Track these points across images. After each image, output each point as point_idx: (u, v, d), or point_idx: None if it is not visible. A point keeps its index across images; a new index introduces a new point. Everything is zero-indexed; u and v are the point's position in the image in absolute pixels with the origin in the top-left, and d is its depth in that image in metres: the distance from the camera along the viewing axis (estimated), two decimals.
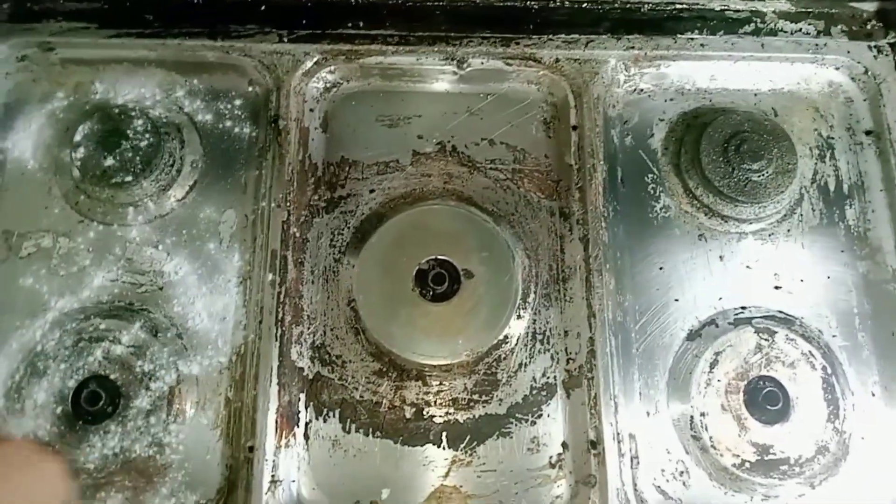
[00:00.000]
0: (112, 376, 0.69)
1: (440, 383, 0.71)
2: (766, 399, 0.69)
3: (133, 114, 0.75)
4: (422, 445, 0.70)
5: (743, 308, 0.73)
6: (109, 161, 0.74)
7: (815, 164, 0.78)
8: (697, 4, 0.79)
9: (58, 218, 0.75)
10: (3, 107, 0.78)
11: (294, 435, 0.69)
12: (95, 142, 0.74)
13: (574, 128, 0.77)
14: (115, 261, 0.74)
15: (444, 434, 0.70)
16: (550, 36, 0.80)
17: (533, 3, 0.78)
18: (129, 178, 0.73)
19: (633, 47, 0.79)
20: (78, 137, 0.74)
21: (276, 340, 0.70)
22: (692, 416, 0.69)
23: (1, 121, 0.78)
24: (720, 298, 0.74)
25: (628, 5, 0.79)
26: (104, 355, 0.70)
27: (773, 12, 0.80)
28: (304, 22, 0.80)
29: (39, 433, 0.67)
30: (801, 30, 0.81)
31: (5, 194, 0.76)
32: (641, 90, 0.81)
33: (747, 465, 0.68)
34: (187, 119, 0.79)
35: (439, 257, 0.73)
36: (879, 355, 0.72)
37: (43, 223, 0.75)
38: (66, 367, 0.69)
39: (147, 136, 0.75)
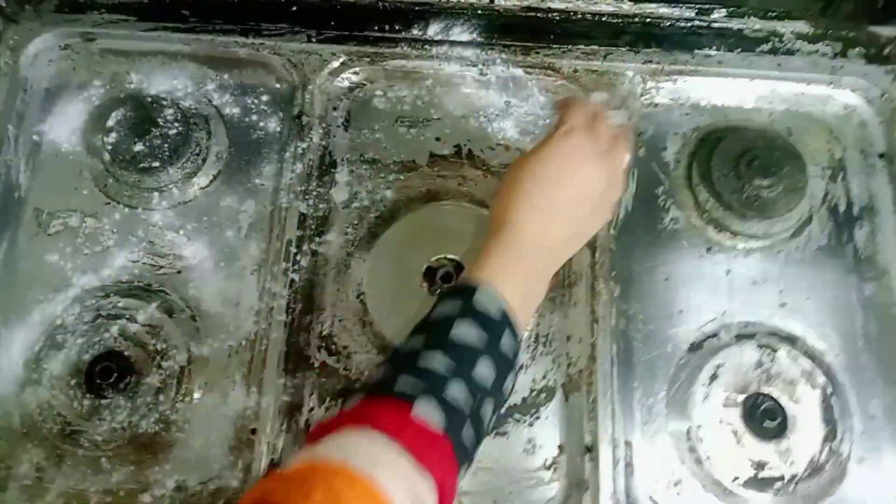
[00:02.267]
0: (126, 353, 0.72)
1: None
2: (764, 415, 0.69)
3: (164, 103, 0.79)
4: None
5: (747, 323, 0.74)
6: (139, 147, 0.77)
7: (827, 184, 0.79)
8: (716, 22, 0.80)
9: (86, 199, 0.78)
10: (43, 91, 0.82)
11: (296, 421, 0.71)
12: (127, 128, 0.77)
13: None
14: (138, 243, 0.77)
15: None
16: (570, 47, 0.81)
17: (554, 14, 0.80)
18: (156, 164, 0.77)
19: (650, 61, 0.81)
20: (111, 123, 0.77)
21: (286, 328, 0.72)
22: (689, 428, 0.70)
23: (40, 104, 0.82)
24: (724, 312, 0.74)
25: (648, 20, 0.80)
26: (120, 332, 0.72)
27: (792, 33, 0.80)
28: (332, 24, 0.82)
29: (53, 403, 0.70)
30: (818, 51, 0.81)
31: (39, 174, 0.79)
32: (657, 104, 0.82)
33: (741, 480, 0.68)
34: (215, 111, 0.82)
35: (449, 256, 0.75)
36: (883, 378, 0.72)
37: (72, 203, 0.78)
38: (83, 342, 0.72)
39: (176, 125, 0.78)
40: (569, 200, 0.59)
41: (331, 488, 0.41)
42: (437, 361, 0.50)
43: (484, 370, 0.51)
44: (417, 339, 0.53)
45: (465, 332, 0.52)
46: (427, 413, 0.48)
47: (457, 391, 0.49)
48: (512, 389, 0.56)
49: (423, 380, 0.49)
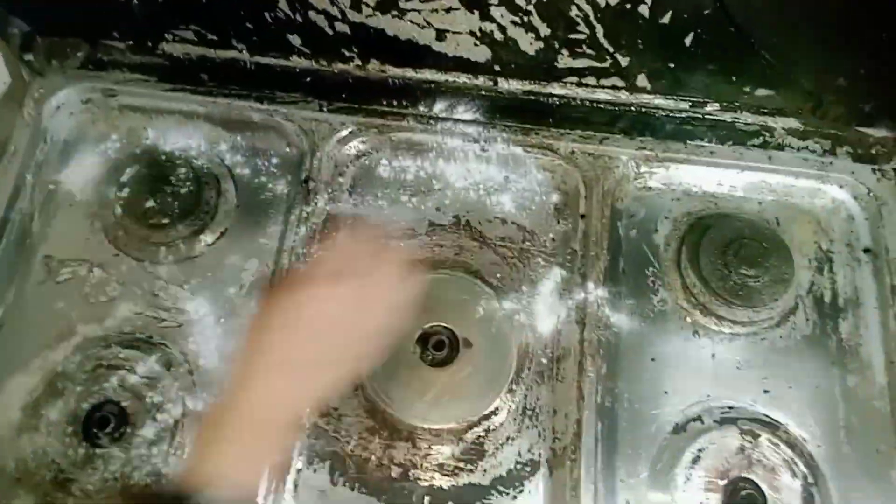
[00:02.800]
0: (123, 403, 0.73)
1: (429, 447, 0.74)
2: (744, 501, 0.70)
3: (178, 161, 0.82)
4: None
5: (730, 408, 0.75)
6: (150, 203, 0.80)
7: (813, 275, 0.81)
8: (710, 115, 0.84)
9: (96, 249, 0.81)
10: (62, 142, 0.86)
11: (283, 482, 0.72)
12: (140, 184, 0.81)
13: (582, 216, 0.82)
14: (142, 295, 0.79)
15: (427, 498, 0.72)
16: (568, 130, 0.85)
17: (554, 99, 0.84)
18: (165, 221, 0.79)
19: (644, 147, 0.84)
20: (124, 178, 0.81)
21: None
22: None
23: (58, 155, 0.85)
24: (708, 396, 0.76)
25: (644, 110, 0.84)
26: (119, 383, 0.74)
27: (783, 129, 0.84)
28: (343, 95, 0.86)
29: (48, 450, 0.72)
30: (807, 147, 0.85)
31: (52, 222, 0.82)
32: (650, 188, 0.85)
33: None
34: (227, 171, 0.85)
35: (442, 324, 0.77)
36: (864, 470, 0.73)
37: (81, 252, 0.81)
38: (82, 390, 0.74)
39: (188, 184, 0.81)
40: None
41: None
42: None
43: None
44: None
45: None
46: None
47: None
48: None
49: None
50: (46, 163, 0.84)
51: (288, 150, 0.87)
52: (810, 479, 0.71)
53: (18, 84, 0.87)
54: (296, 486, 0.72)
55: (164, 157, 0.83)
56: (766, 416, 0.75)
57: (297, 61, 0.85)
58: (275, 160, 0.87)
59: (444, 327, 0.77)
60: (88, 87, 0.87)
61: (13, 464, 0.72)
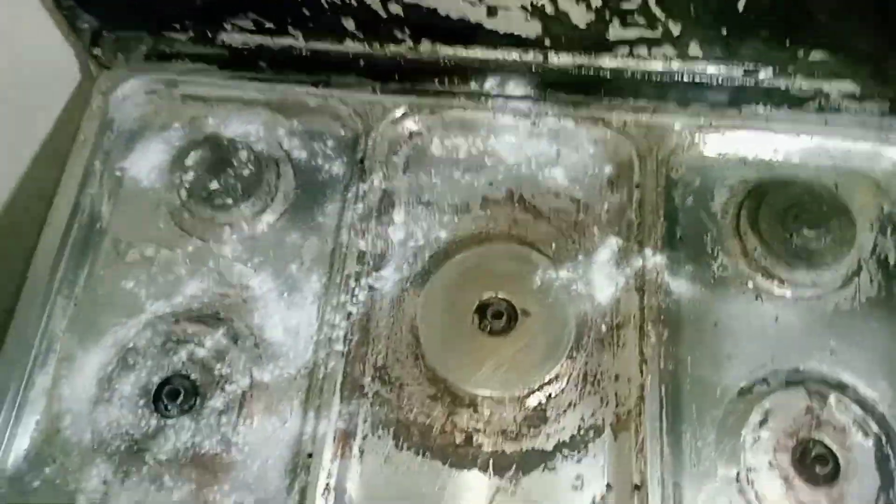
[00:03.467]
0: (192, 376, 0.76)
1: (491, 413, 0.74)
2: (815, 461, 0.69)
3: (239, 146, 0.85)
4: (469, 470, 0.72)
5: (796, 370, 0.74)
6: (214, 185, 0.83)
7: (876, 237, 0.80)
8: (764, 83, 0.84)
9: (162, 231, 0.84)
10: (128, 132, 0.89)
11: (350, 447, 0.73)
12: (204, 167, 0.83)
13: (637, 186, 0.82)
14: (208, 273, 0.82)
15: (491, 462, 0.72)
16: (620, 101, 0.86)
17: (605, 71, 0.85)
18: (229, 202, 0.82)
19: (698, 116, 0.84)
20: (189, 162, 0.84)
21: (343, 358, 0.75)
22: (738, 471, 0.70)
23: (125, 143, 0.89)
24: (773, 359, 0.75)
25: (696, 78, 0.84)
26: (188, 356, 0.76)
27: (839, 92, 0.83)
28: (396, 77, 0.88)
29: (122, 422, 0.74)
30: (865, 110, 0.84)
31: (119, 207, 0.86)
32: (705, 156, 0.85)
33: None
34: (285, 155, 0.88)
35: (500, 295, 0.78)
36: None
37: (149, 235, 0.84)
38: (152, 364, 0.76)
39: (249, 165, 0.84)
40: None
41: None
42: None
43: None
44: None
45: None
46: None
47: None
48: None
49: None
50: (113, 151, 0.88)
51: (343, 132, 0.89)
52: (883, 439, 0.70)
53: (87, 77, 0.91)
54: (361, 451, 0.73)
55: (225, 143, 0.85)
56: (834, 377, 0.74)
57: (350, 46, 0.88)
58: (330, 142, 0.89)
59: (502, 298, 0.78)
60: (152, 79, 0.91)
61: (90, 435, 0.74)
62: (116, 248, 0.83)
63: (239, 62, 0.90)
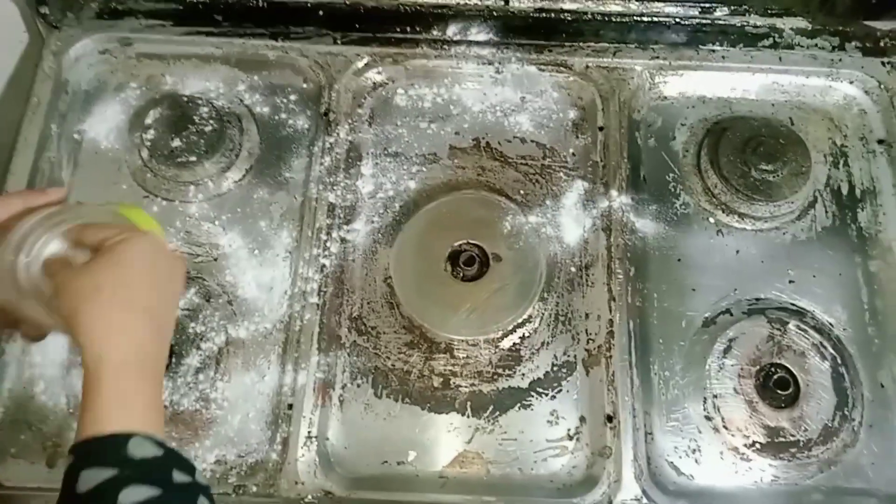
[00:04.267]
0: None
1: (467, 356, 0.76)
2: (777, 384, 0.72)
3: (199, 102, 0.83)
4: (447, 413, 0.74)
5: (757, 299, 0.77)
6: (176, 142, 0.81)
7: (829, 169, 0.83)
8: (719, 20, 0.85)
9: (125, 193, 0.83)
10: (83, 94, 0.87)
11: (330, 397, 0.74)
12: (164, 125, 0.82)
13: (600, 128, 0.83)
14: (176, 233, 0.81)
15: (469, 403, 0.74)
16: (581, 45, 0.86)
17: (566, 14, 0.85)
18: (192, 159, 0.81)
19: (658, 57, 0.86)
20: (148, 121, 0.82)
21: (318, 310, 0.76)
22: (705, 398, 0.73)
23: (81, 105, 0.86)
24: (735, 290, 0.78)
25: (655, 19, 0.85)
26: None
27: (791, 29, 0.85)
28: (356, 26, 0.87)
29: None
30: (817, 45, 0.86)
31: (79, 171, 0.84)
32: (665, 97, 0.87)
33: (757, 445, 0.71)
34: (247, 110, 0.87)
35: (471, 241, 0.79)
36: (889, 349, 0.76)
37: (112, 197, 0.82)
38: None
39: (211, 122, 0.82)
40: (150, 299, 0.52)
41: None
42: None
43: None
44: None
45: (135, 494, 0.43)
46: None
47: None
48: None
49: None
50: (70, 113, 0.86)
51: (305, 85, 0.88)
52: (839, 360, 0.74)
53: (35, 38, 0.88)
54: (341, 401, 0.74)
55: (185, 99, 0.84)
56: (793, 304, 0.77)
57: None
58: (293, 96, 0.88)
59: (473, 244, 0.79)
60: (105, 38, 0.88)
61: (65, 399, 0.74)
62: None
63: (194, 17, 0.87)
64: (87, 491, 0.43)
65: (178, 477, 0.45)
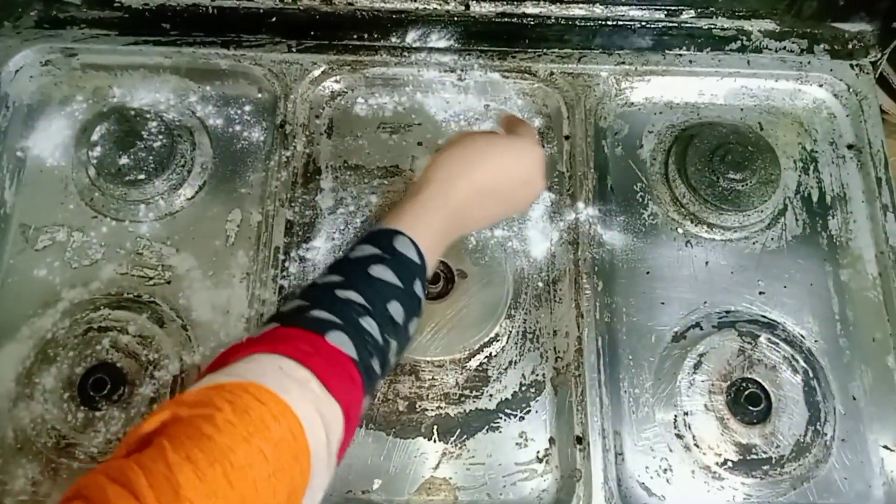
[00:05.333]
0: (118, 364, 0.72)
1: (432, 378, 0.74)
2: (748, 400, 0.71)
3: (148, 116, 0.79)
4: (413, 438, 0.72)
5: (727, 312, 0.76)
6: (124, 160, 0.78)
7: (799, 176, 0.82)
8: (686, 23, 0.83)
9: (73, 213, 0.79)
10: (25, 108, 0.83)
11: None
12: (111, 141, 0.78)
13: (566, 137, 0.81)
14: (126, 255, 0.77)
15: (435, 427, 0.72)
16: (545, 51, 0.84)
17: (529, 19, 0.82)
18: (142, 177, 0.77)
19: (623, 63, 0.83)
20: (95, 137, 0.78)
21: None
22: (676, 416, 0.72)
23: (23, 121, 0.82)
24: (705, 302, 0.76)
25: (620, 23, 0.83)
26: (112, 344, 0.73)
27: (759, 31, 0.83)
28: (312, 34, 0.84)
29: (47, 417, 0.70)
30: (785, 48, 0.84)
31: (24, 189, 0.80)
32: (632, 103, 0.84)
33: (729, 463, 0.70)
34: (199, 123, 0.83)
35: None
36: (860, 360, 0.75)
37: (58, 218, 0.78)
38: (74, 355, 0.72)
39: (161, 137, 0.79)
40: (490, 181, 0.61)
41: (240, 401, 0.41)
42: (352, 298, 0.52)
43: (396, 310, 0.53)
44: (334, 277, 0.54)
45: (382, 273, 0.53)
46: (339, 344, 0.49)
47: (368, 327, 0.51)
48: (415, 332, 0.57)
49: (336, 314, 0.50)
50: (11, 129, 0.81)
51: (260, 95, 0.84)
52: (810, 374, 0.72)
53: None
54: None
55: (133, 114, 0.80)
56: (764, 316, 0.76)
57: (260, 1, 0.82)
58: (247, 107, 0.84)
59: (438, 260, 0.76)
60: (46, 48, 0.84)
61: (12, 434, 0.71)
62: (25, 235, 0.78)
63: (140, 25, 0.83)
64: (355, 258, 0.55)
65: (416, 288, 0.55)
